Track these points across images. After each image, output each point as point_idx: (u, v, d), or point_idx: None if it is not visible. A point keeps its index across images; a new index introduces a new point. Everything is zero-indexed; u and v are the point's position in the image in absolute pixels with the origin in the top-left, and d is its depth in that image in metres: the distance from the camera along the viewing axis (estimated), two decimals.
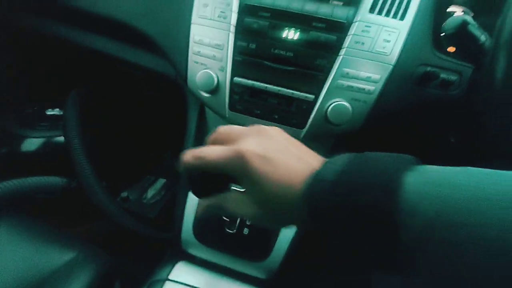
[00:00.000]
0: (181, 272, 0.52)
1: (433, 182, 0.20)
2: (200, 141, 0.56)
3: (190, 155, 0.30)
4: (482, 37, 0.33)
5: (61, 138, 0.74)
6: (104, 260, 0.49)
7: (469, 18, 0.33)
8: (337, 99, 0.44)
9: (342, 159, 0.25)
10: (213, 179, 0.31)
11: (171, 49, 0.51)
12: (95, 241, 0.57)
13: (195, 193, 0.33)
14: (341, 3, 0.45)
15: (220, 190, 0.32)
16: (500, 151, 0.29)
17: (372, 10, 0.42)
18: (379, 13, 0.42)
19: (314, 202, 0.24)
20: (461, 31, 0.33)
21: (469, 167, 0.20)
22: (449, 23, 0.34)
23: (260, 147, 0.27)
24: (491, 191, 0.18)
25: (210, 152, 0.29)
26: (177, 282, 0.51)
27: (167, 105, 0.78)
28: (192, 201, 0.52)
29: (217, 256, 0.52)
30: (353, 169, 0.24)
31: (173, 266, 0.52)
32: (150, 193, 0.85)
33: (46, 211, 0.65)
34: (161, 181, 0.90)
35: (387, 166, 0.23)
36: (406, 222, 0.20)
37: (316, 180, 0.24)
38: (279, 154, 0.27)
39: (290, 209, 0.26)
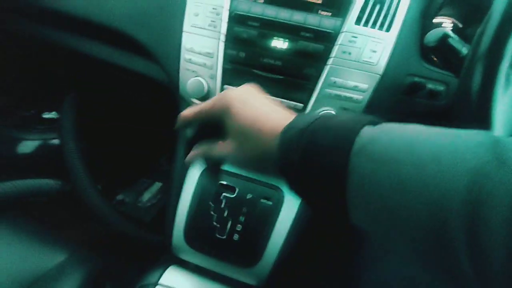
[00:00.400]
0: (172, 276, 0.53)
1: (384, 130, 0.23)
2: (192, 146, 0.56)
3: (188, 110, 0.36)
4: (464, 49, 0.34)
5: (57, 141, 0.75)
6: (95, 263, 0.50)
7: (449, 31, 0.34)
8: (325, 108, 0.45)
9: (314, 114, 0.29)
10: (205, 131, 0.36)
11: (164, 56, 0.52)
12: (87, 243, 0.58)
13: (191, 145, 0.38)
14: (329, 14, 0.45)
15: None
16: None
17: (358, 21, 0.43)
18: (365, 24, 0.43)
19: (283, 146, 0.27)
20: (442, 44, 0.33)
21: (416, 125, 0.23)
22: (430, 37, 0.35)
23: (242, 93, 0.33)
24: (418, 146, 0.21)
25: (204, 103, 0.35)
26: (167, 286, 0.51)
27: (162, 110, 0.79)
28: (184, 206, 0.52)
29: (208, 261, 0.52)
30: (321, 120, 0.27)
31: (164, 270, 0.52)
32: (146, 196, 0.86)
33: (39, 213, 0.65)
34: (157, 185, 0.91)
35: (351, 120, 0.26)
36: (354, 161, 0.23)
37: (288, 128, 0.28)
38: (258, 101, 0.32)
39: (265, 152, 0.29)
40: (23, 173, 0.66)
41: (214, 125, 0.35)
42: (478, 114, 0.27)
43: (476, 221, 0.17)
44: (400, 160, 0.21)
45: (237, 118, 0.31)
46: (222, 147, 0.34)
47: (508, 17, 0.27)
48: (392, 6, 0.43)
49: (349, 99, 0.44)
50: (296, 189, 0.28)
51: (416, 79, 0.43)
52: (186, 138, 0.37)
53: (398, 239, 0.22)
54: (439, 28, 0.35)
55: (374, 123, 0.25)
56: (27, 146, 0.75)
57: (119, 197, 0.82)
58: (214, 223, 0.49)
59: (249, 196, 0.50)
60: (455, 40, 0.33)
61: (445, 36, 0.33)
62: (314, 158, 0.25)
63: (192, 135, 0.36)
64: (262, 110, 0.31)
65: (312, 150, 0.25)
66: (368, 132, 0.24)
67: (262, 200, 0.50)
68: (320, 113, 0.29)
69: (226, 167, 0.45)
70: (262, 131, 0.30)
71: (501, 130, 0.27)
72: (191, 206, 0.51)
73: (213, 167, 0.42)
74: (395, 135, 0.22)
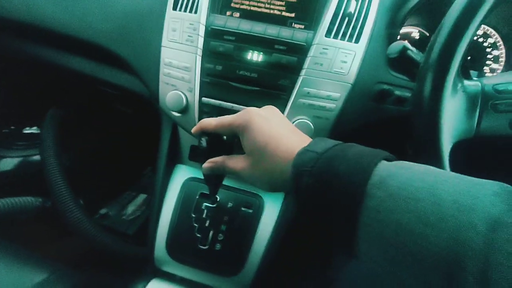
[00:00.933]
0: None
1: (402, 167, 0.24)
2: (173, 157, 0.57)
3: (210, 119, 0.37)
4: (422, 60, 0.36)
5: (38, 157, 0.74)
6: (77, 280, 0.49)
7: (408, 44, 0.36)
8: (300, 117, 0.46)
9: (331, 140, 0.30)
10: (219, 145, 0.39)
11: (143, 70, 0.53)
12: (70, 260, 0.57)
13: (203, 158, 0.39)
14: (302, 27, 0.48)
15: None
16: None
17: (328, 34, 0.45)
18: (335, 36, 0.45)
19: (298, 168, 0.28)
20: (402, 56, 0.36)
21: (429, 166, 0.25)
22: (391, 49, 0.37)
23: (264, 112, 0.35)
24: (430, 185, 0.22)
25: (226, 116, 0.37)
26: None
27: (145, 122, 0.80)
28: (165, 217, 0.52)
29: (191, 272, 0.52)
30: (339, 148, 0.28)
31: (146, 283, 0.52)
32: (130, 209, 0.85)
33: (20, 231, 0.64)
34: (141, 197, 0.90)
35: (369, 152, 0.26)
36: (373, 192, 0.23)
37: (304, 150, 0.29)
38: (278, 122, 0.34)
39: (278, 172, 0.30)
40: (4, 191, 0.65)
41: (226, 141, 0.38)
42: (428, 120, 0.29)
43: (490, 264, 0.18)
44: (420, 198, 0.21)
45: (255, 135, 0.32)
46: (237, 162, 0.35)
47: (457, 28, 0.29)
48: (360, 18, 0.46)
49: (323, 108, 0.46)
50: (305, 211, 0.28)
51: (385, 86, 0.45)
52: (200, 147, 0.38)
53: (407, 275, 0.22)
54: (399, 41, 0.37)
55: (390, 159, 0.26)
56: (7, 163, 0.74)
57: (103, 210, 0.81)
58: (196, 234, 0.50)
59: (230, 204, 0.51)
60: (413, 52, 0.35)
61: (404, 49, 0.35)
62: (329, 183, 0.25)
63: (205, 145, 0.38)
64: (280, 130, 0.33)
65: (328, 175, 0.25)
66: (386, 166, 0.24)
67: (243, 209, 0.51)
68: (337, 142, 0.30)
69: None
70: (278, 151, 0.31)
71: (447, 135, 0.29)
72: (173, 217, 0.52)
73: (213, 182, 0.44)
74: (413, 174, 0.23)
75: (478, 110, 0.33)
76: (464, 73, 0.35)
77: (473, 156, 0.34)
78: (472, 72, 0.48)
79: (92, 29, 0.56)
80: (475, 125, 0.33)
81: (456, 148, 0.31)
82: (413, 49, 0.36)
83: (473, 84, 0.35)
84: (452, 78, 0.28)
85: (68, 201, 0.64)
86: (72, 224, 0.64)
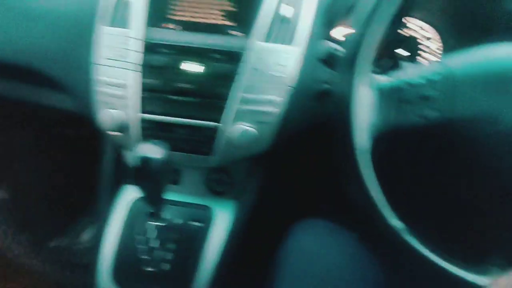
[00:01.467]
0: None
1: None
2: (119, 178, 0.55)
3: None
4: None
5: None
6: None
7: (335, 47, 0.37)
8: (241, 124, 0.45)
9: None
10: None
11: (78, 90, 0.50)
12: None
13: None
14: (238, 33, 0.47)
15: None
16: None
17: (263, 38, 0.45)
18: (271, 41, 0.45)
19: None
20: (330, 57, 0.36)
21: None
22: (322, 50, 0.37)
23: None
24: None
25: None
26: None
27: (89, 144, 0.76)
28: (110, 242, 0.49)
29: None
30: None
31: None
32: (86, 236, 0.79)
33: None
34: None
35: None
36: None
37: None
38: None
39: None
40: None
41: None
42: (342, 116, 0.30)
43: None
44: None
45: None
46: None
47: (365, 24, 0.30)
48: (295, 21, 0.45)
49: (265, 113, 0.45)
50: None
51: (325, 86, 0.46)
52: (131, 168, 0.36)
53: None
54: (327, 42, 0.38)
55: None
56: None
57: (52, 243, 0.75)
58: (144, 256, 0.47)
59: (178, 221, 0.49)
60: (340, 52, 0.36)
61: (332, 50, 0.36)
62: None
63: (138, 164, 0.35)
64: None
65: None
66: None
67: (192, 223, 0.49)
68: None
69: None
70: None
71: (363, 131, 0.29)
72: (118, 242, 0.49)
73: (154, 198, 0.42)
74: None
75: (392, 104, 0.35)
76: (382, 67, 0.36)
77: (395, 150, 0.35)
78: (408, 65, 0.49)
79: (22, 51, 0.53)
80: (390, 119, 0.34)
81: (378, 143, 0.32)
82: (340, 49, 0.37)
83: (386, 79, 0.36)
84: (363, 73, 0.28)
85: (9, 242, 0.58)
86: (18, 263, 0.59)
